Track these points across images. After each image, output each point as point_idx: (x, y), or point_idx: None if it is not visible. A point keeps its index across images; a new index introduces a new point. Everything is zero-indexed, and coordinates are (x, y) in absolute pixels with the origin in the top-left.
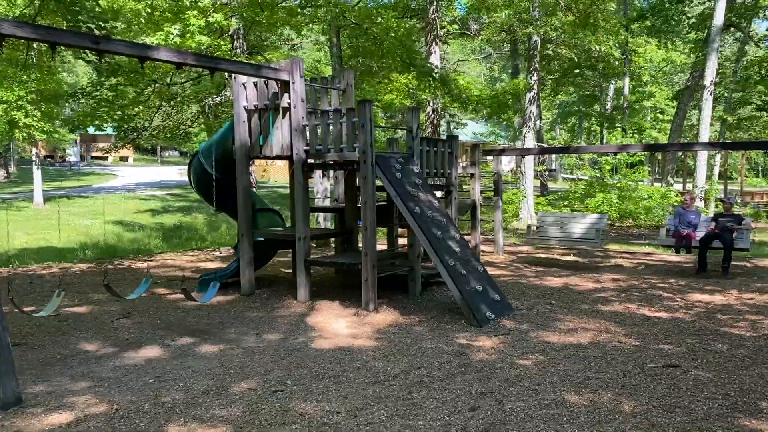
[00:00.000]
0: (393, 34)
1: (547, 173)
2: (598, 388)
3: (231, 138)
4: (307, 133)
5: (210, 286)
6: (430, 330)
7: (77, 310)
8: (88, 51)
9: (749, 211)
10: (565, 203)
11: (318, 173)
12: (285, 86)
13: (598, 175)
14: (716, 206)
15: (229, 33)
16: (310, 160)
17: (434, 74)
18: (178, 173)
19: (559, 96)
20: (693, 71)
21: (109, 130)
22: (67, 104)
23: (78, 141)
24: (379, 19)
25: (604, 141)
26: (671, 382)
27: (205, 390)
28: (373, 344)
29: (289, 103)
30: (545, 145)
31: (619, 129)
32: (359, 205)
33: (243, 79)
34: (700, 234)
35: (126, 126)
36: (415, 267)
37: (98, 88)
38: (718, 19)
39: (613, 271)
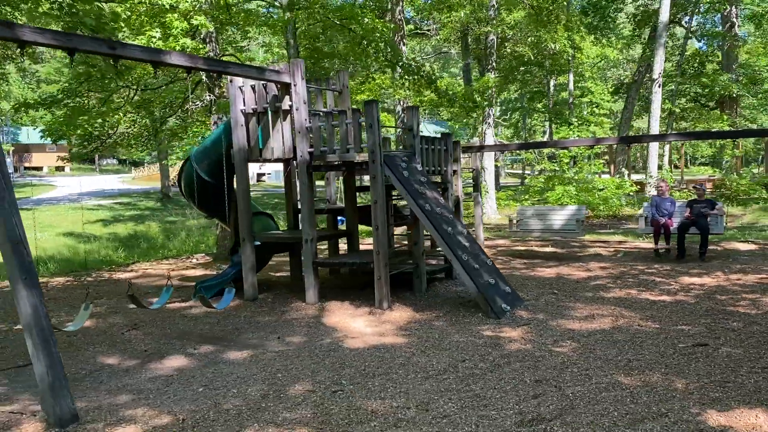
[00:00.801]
0: (378, 34)
1: (507, 168)
2: (645, 369)
3: (226, 142)
4: (310, 135)
5: (225, 292)
6: (450, 324)
7: (87, 324)
8: (103, 56)
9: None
10: (526, 197)
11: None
12: (285, 88)
13: (557, 168)
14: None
15: (202, 36)
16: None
17: (421, 72)
18: (119, 181)
19: (504, 94)
20: (639, 66)
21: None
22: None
23: (11, 152)
24: (366, 19)
25: (551, 136)
26: (708, 359)
27: (263, 395)
28: (403, 341)
29: (291, 105)
30: (519, 142)
31: (575, 123)
32: (356, 206)
33: (239, 82)
34: (676, 221)
35: (92, 134)
36: (420, 264)
37: (69, 95)
38: (664, 15)
39: (596, 260)
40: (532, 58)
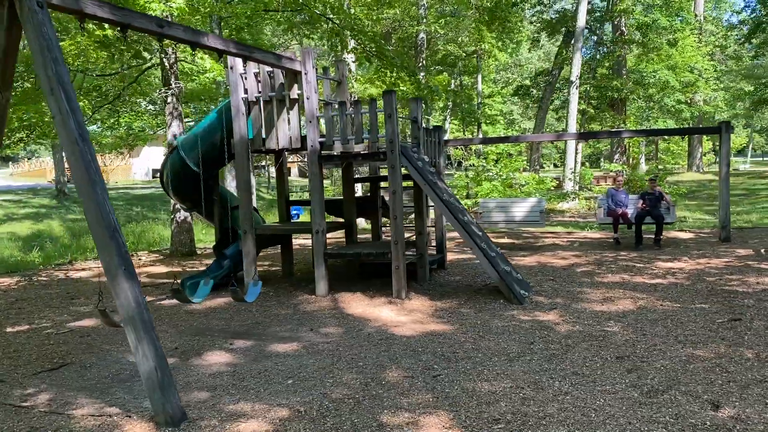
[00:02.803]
0: (362, 26)
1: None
2: (707, 343)
3: (219, 131)
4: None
5: (251, 284)
6: (478, 311)
7: (84, 324)
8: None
9: (603, 190)
10: (455, 192)
11: None
12: (293, 77)
13: (484, 164)
14: (579, 188)
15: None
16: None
17: (405, 65)
18: None
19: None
20: (553, 68)
21: None
22: None
23: None
24: (352, 10)
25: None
26: (753, 332)
27: (363, 383)
28: (449, 328)
29: (299, 94)
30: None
31: (485, 122)
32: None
33: (240, 69)
34: (629, 211)
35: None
36: (424, 254)
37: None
38: (581, 21)
39: (561, 249)
40: (464, 55)
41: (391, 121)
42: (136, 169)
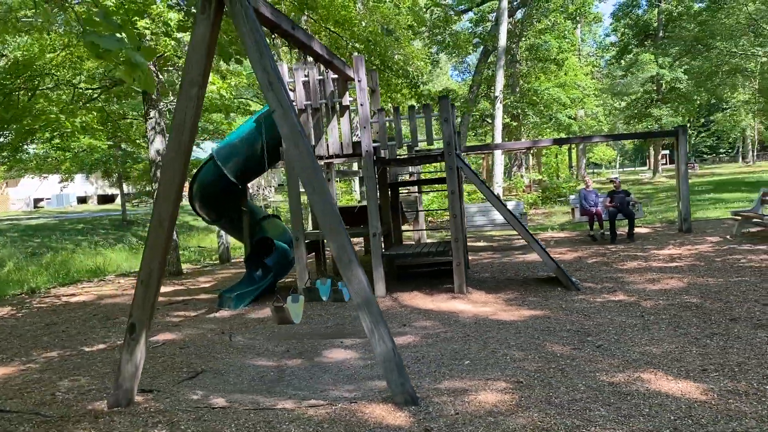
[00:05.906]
0: (378, 38)
1: None
2: None
3: (260, 140)
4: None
5: (318, 283)
6: (546, 298)
7: (166, 337)
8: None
9: (534, 197)
10: None
11: None
12: (345, 83)
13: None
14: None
15: None
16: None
17: (409, 77)
18: None
19: None
20: (472, 85)
21: None
22: None
23: None
24: (364, 23)
25: None
26: None
27: (542, 356)
28: (544, 312)
29: (351, 101)
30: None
31: None
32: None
33: (287, 77)
34: (602, 209)
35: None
36: (464, 254)
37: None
38: (502, 41)
39: (548, 248)
40: (413, 73)
41: (448, 125)
42: (15, 199)
